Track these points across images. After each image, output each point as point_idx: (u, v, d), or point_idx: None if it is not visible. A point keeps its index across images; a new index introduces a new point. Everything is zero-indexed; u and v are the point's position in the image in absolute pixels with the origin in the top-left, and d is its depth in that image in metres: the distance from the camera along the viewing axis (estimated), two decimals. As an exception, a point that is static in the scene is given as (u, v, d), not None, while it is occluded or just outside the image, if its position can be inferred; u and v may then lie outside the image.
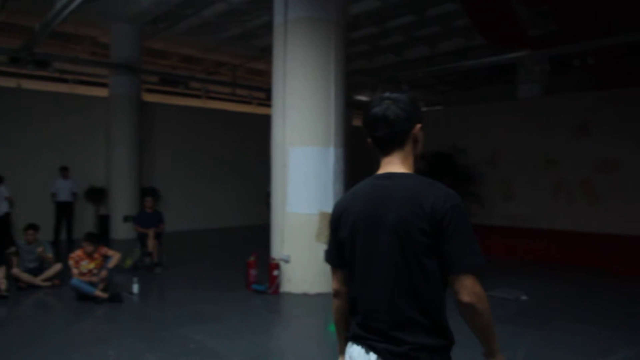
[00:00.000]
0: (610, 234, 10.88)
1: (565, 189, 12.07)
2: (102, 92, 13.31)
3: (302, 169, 7.20)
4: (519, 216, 12.71)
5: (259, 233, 9.65)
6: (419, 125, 1.82)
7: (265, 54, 12.45)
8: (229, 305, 6.55)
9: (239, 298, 6.97)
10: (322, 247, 7.22)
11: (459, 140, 13.26)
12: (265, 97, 14.90)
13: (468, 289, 1.63)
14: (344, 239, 1.88)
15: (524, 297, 7.02)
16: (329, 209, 7.28)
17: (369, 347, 1.75)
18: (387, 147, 1.83)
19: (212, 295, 7.08)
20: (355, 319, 1.84)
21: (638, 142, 11.05)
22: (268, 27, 8.02)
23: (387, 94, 1.84)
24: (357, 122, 20.28)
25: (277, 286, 7.20)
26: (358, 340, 1.80)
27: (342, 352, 1.96)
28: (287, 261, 7.23)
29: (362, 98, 19.76)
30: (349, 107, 16.53)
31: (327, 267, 6.60)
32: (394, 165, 1.82)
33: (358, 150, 18.14)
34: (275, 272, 7.19)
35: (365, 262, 1.80)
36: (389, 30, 12.71)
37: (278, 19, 7.47)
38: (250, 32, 12.75)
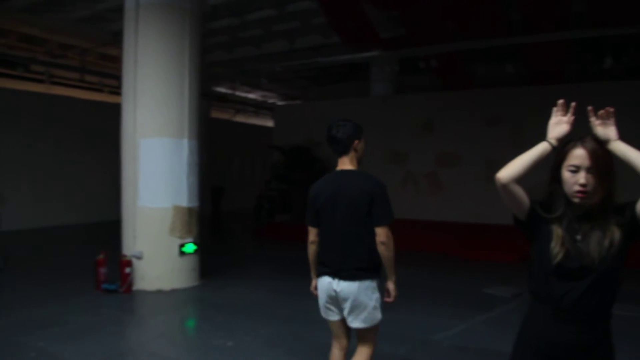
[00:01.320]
0: (451, 221, 12.02)
1: (413, 180, 13.07)
2: None
3: (155, 162, 6.93)
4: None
5: (110, 229, 9.12)
6: (356, 141, 3.15)
7: (118, 39, 11.74)
8: (77, 308, 6.10)
9: (88, 299, 6.53)
10: (176, 242, 7.04)
11: (316, 134, 13.67)
12: (118, 85, 14.05)
13: (385, 234, 3.01)
14: (319, 208, 3.15)
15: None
16: (183, 202, 7.10)
17: (333, 276, 3.08)
18: (339, 154, 3.18)
19: (57, 298, 6.53)
20: (323, 259, 3.17)
21: (475, 138, 12.29)
22: (120, 11, 7.54)
23: (340, 122, 3.20)
24: (216, 113, 19.99)
25: (130, 284, 6.88)
26: (326, 274, 3.13)
27: (316, 277, 3.30)
28: (139, 257, 6.93)
29: (222, 90, 19.52)
30: (207, 98, 16.25)
31: (183, 262, 6.53)
32: (346, 164, 3.16)
33: (218, 142, 17.97)
34: (127, 270, 6.86)
35: (334, 223, 3.11)
36: (248, 23, 12.65)
37: (129, 2, 7.08)
38: (101, 14, 11.90)
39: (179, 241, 7.07)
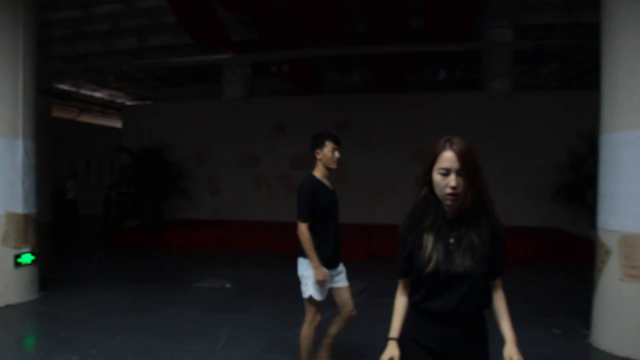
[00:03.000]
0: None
1: (266, 183, 13.27)
2: None
3: (-17, 164, 6.24)
4: (225, 210, 13.41)
5: None
6: (317, 150, 3.96)
7: None
8: None
9: None
10: (11, 253, 6.42)
11: (168, 136, 13.28)
12: None
13: (299, 228, 3.85)
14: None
15: (228, 285, 7.46)
16: (18, 209, 6.49)
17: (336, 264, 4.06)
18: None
19: None
20: (326, 246, 3.93)
21: (324, 142, 12.82)
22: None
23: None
24: (58, 113, 18.47)
25: (-48, 302, 6.12)
26: (329, 262, 3.95)
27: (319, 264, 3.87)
28: (-35, 271, 6.20)
29: (65, 87, 18.10)
30: (47, 95, 14.98)
31: (19, 275, 6.01)
32: (313, 169, 4.02)
33: (62, 143, 16.61)
34: (-51, 286, 6.10)
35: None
36: (94, 17, 11.89)
37: (-52, -15, 6.30)
38: None
39: (14, 251, 6.44)
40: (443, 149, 1.99)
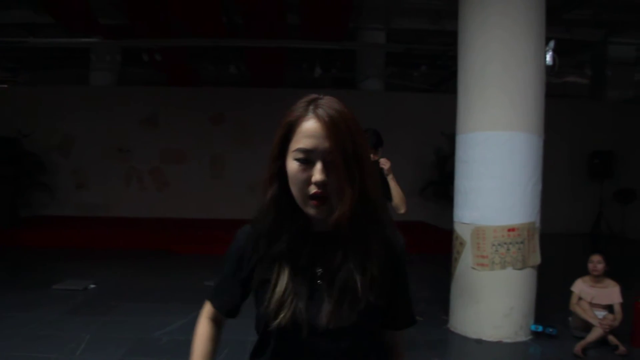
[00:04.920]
0: (174, 217, 12.08)
1: (137, 177, 12.68)
2: None
3: None
4: (92, 205, 12.61)
5: None
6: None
7: None
8: None
9: None
10: None
11: (27, 124, 12.17)
12: None
13: None
14: None
15: (92, 286, 7.01)
16: None
17: None
18: None
19: None
20: None
21: (200, 135, 12.57)
22: None
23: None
24: None
25: None
26: None
27: None
28: None
29: None
30: None
31: None
32: None
33: None
34: None
35: None
36: None
37: None
38: None
39: None
40: (303, 115, 1.11)
